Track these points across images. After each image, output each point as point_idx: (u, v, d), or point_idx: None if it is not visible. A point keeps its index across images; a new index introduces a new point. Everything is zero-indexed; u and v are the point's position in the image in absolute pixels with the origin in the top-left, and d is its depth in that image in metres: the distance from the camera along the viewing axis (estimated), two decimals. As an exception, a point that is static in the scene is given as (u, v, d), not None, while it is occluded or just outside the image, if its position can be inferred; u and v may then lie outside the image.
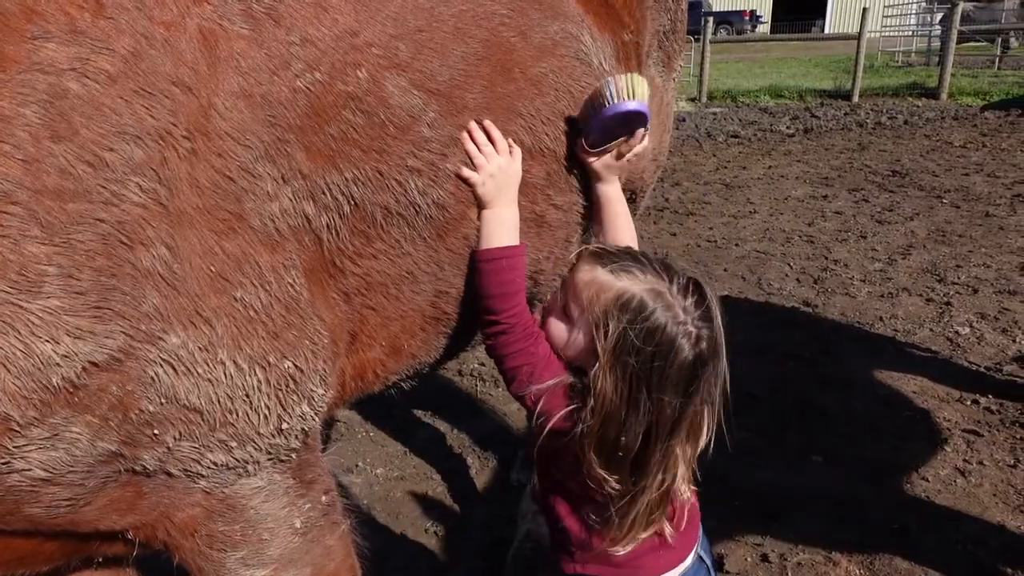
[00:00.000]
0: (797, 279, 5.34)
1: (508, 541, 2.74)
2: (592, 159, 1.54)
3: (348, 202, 1.16)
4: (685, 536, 1.52)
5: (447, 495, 3.19)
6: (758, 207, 7.28)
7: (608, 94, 1.38)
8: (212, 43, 0.98)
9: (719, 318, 1.30)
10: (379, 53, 1.18)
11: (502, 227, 1.39)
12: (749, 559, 2.67)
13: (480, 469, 3.38)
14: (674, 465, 1.35)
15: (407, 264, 1.29)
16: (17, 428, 0.84)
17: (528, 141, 1.44)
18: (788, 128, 11.60)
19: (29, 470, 0.87)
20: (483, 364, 4.33)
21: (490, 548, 2.83)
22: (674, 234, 6.55)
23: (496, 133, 1.36)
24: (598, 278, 1.33)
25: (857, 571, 2.59)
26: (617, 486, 1.33)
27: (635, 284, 1.29)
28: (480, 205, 1.38)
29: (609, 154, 1.55)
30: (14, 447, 0.85)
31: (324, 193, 1.12)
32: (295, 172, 1.08)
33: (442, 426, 3.75)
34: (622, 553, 1.42)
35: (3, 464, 0.85)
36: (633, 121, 1.48)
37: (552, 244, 1.59)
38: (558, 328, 1.40)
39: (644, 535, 1.40)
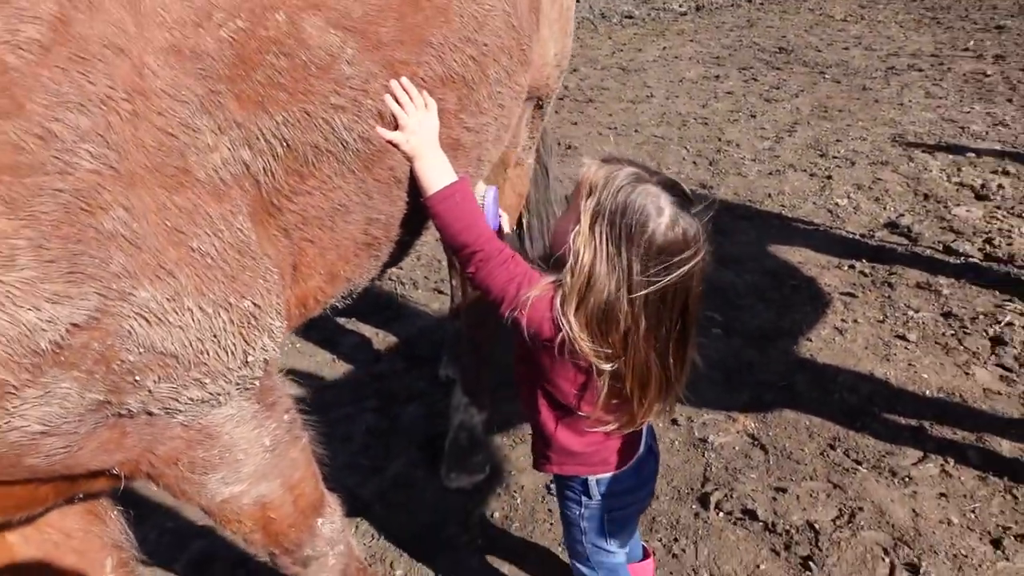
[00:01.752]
0: (694, 162, 5.60)
1: (443, 434, 2.93)
2: None
3: (280, 144, 1.21)
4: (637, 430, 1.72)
5: (380, 396, 3.34)
6: (655, 91, 7.43)
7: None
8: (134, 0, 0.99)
9: (700, 225, 1.43)
10: None
11: (438, 171, 1.49)
12: (660, 423, 2.99)
13: (408, 369, 3.53)
14: (659, 349, 1.48)
15: (339, 197, 1.36)
16: (13, 391, 0.91)
17: (439, 70, 1.50)
18: (681, 6, 11.63)
19: (28, 426, 0.94)
20: (401, 268, 4.41)
21: (427, 441, 3.04)
22: (575, 123, 6.65)
23: (413, 91, 1.44)
24: (592, 166, 1.46)
25: (752, 424, 2.97)
26: (605, 356, 1.44)
27: (621, 168, 1.43)
28: (410, 159, 1.47)
29: None
30: (12, 408, 0.92)
31: (258, 139, 1.17)
32: (230, 122, 1.12)
33: (367, 331, 3.85)
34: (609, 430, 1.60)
35: (4, 423, 0.92)
36: None
37: (466, 164, 1.68)
38: (557, 221, 1.54)
39: (653, 414, 1.58)
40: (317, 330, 3.87)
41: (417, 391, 3.37)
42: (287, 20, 1.18)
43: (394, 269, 4.40)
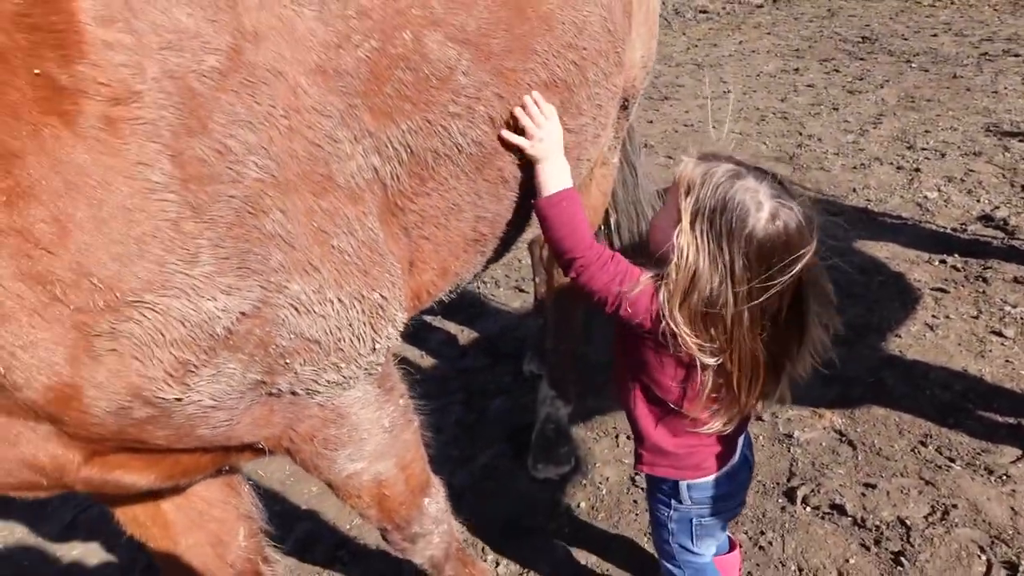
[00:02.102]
0: (775, 157, 5.53)
1: (529, 427, 3.03)
2: None
3: (405, 150, 1.34)
4: (734, 434, 1.73)
5: (466, 391, 3.46)
6: (731, 86, 7.34)
7: None
8: (290, 27, 1.13)
9: (805, 213, 1.45)
10: (418, 14, 1.33)
11: (554, 176, 1.58)
12: (745, 419, 3.00)
13: (492, 365, 3.64)
14: (767, 338, 1.49)
15: (453, 197, 1.49)
16: (194, 369, 1.06)
17: (544, 75, 1.60)
18: (757, -2, 11.42)
19: (201, 400, 1.10)
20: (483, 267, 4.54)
21: (514, 433, 3.14)
22: (651, 121, 6.64)
23: (541, 100, 1.56)
24: (689, 164, 1.49)
25: (840, 421, 2.95)
26: (710, 351, 1.47)
27: (718, 164, 1.46)
28: (533, 162, 1.58)
29: None
30: (192, 384, 1.07)
31: (387, 146, 1.30)
32: (364, 132, 1.25)
33: (452, 328, 3.98)
34: (718, 430, 1.62)
35: (185, 397, 1.08)
36: None
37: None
38: (655, 218, 1.59)
39: (763, 402, 1.60)
40: (404, 328, 4.04)
41: (502, 386, 3.47)
42: (413, 38, 1.31)
43: (477, 268, 4.54)
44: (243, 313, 1.08)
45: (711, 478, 1.75)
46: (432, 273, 1.57)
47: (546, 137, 1.56)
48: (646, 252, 1.63)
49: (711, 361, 1.49)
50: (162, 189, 0.98)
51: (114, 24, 0.95)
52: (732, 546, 2.23)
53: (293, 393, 1.24)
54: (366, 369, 1.34)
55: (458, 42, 1.39)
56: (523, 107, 1.54)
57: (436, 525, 1.85)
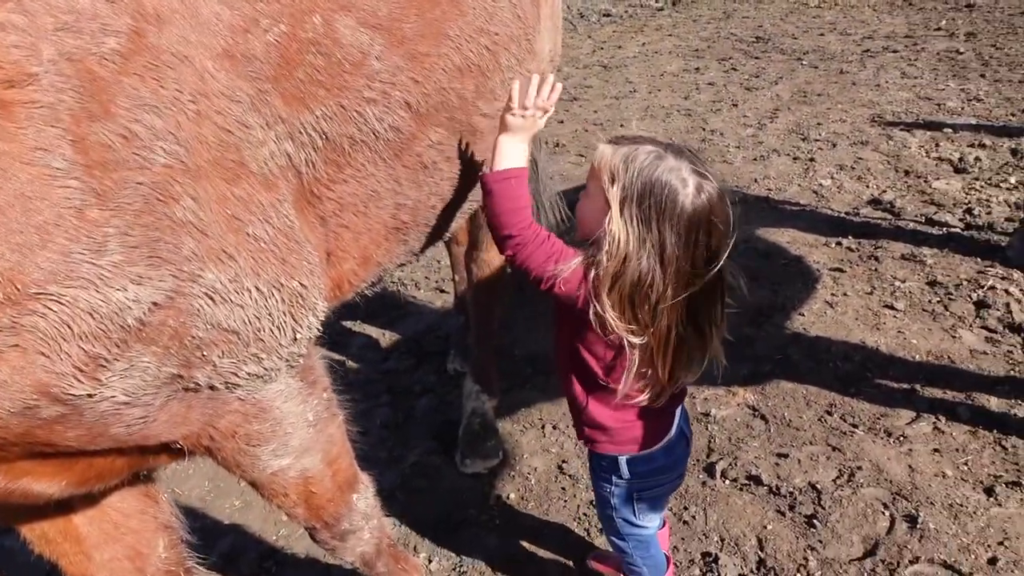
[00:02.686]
0: (680, 152, 5.73)
1: (456, 423, 3.04)
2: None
3: (320, 137, 1.32)
4: (671, 408, 1.79)
5: (391, 392, 3.44)
6: (637, 86, 7.57)
7: None
8: (193, 11, 1.10)
9: (721, 184, 1.50)
10: None
11: (513, 153, 1.60)
12: (665, 402, 3.11)
13: (417, 365, 3.63)
14: (684, 315, 1.53)
15: (372, 184, 1.48)
16: (105, 363, 1.02)
17: (457, 60, 1.61)
18: (657, 2, 11.80)
19: (114, 396, 1.05)
20: (403, 270, 4.51)
21: (440, 431, 3.14)
22: (561, 121, 6.77)
23: (548, 88, 1.61)
24: (608, 150, 1.52)
25: (752, 397, 3.09)
26: (633, 329, 1.51)
27: (637, 148, 1.49)
28: (500, 129, 1.59)
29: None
30: (104, 379, 1.03)
31: (300, 132, 1.29)
32: (276, 118, 1.23)
33: (374, 332, 3.94)
34: (650, 402, 1.66)
35: (97, 393, 1.03)
36: None
37: (485, 150, 1.80)
38: (581, 208, 1.61)
39: (684, 378, 1.63)
40: (325, 333, 3.95)
41: (427, 385, 3.47)
42: (323, 22, 1.30)
43: (396, 272, 4.50)
44: (155, 303, 1.04)
45: (649, 452, 1.80)
46: (353, 262, 1.56)
47: (529, 115, 1.58)
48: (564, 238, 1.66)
49: (637, 340, 1.54)
50: (64, 175, 0.94)
51: (4, 4, 0.91)
52: (662, 523, 2.31)
53: (212, 387, 1.21)
54: (288, 360, 1.32)
55: (370, 27, 1.39)
56: (534, 80, 1.57)
57: (366, 521, 1.83)
